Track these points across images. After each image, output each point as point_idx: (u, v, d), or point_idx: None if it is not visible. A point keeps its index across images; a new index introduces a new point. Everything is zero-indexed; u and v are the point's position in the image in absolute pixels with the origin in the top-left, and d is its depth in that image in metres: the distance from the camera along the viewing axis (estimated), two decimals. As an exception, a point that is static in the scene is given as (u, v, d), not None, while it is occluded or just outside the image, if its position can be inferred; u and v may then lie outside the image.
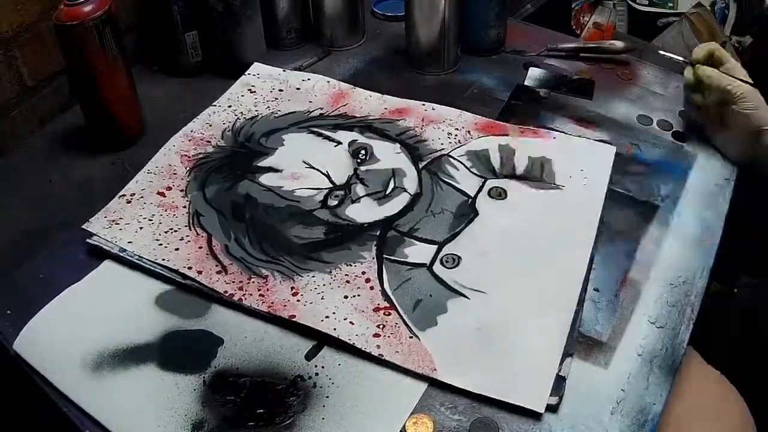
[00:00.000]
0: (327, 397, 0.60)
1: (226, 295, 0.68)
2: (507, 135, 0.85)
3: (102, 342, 0.64)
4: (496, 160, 0.81)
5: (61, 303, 0.67)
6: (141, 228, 0.74)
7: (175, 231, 0.74)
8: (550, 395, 0.59)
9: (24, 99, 0.87)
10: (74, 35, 0.76)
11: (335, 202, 0.77)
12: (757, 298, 0.93)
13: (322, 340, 0.64)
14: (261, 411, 0.59)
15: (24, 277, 0.71)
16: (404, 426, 0.58)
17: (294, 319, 0.65)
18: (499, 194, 0.77)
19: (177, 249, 0.72)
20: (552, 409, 0.59)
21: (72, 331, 0.65)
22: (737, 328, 0.93)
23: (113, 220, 0.75)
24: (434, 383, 0.61)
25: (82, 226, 0.75)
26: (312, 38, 1.05)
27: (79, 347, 0.63)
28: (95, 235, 0.74)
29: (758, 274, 0.95)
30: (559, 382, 0.60)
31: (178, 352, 0.64)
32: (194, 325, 0.66)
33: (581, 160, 0.80)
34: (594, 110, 0.91)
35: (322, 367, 0.62)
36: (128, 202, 0.78)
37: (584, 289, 0.67)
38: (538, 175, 0.79)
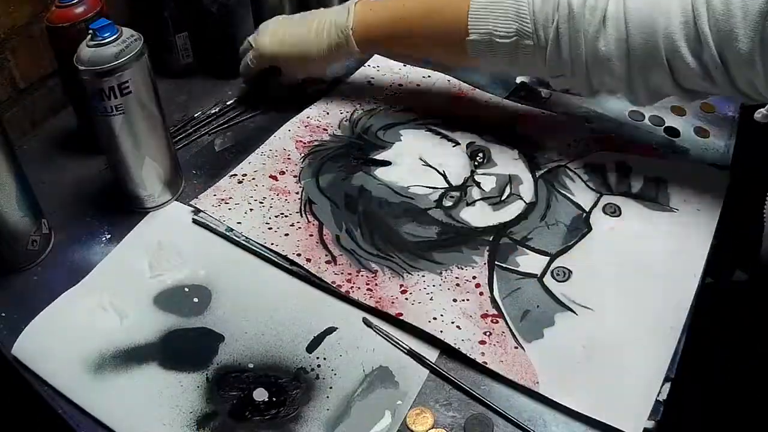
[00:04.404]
0: (330, 388, 0.60)
1: (334, 285, 0.68)
2: (624, 151, 0.83)
3: (102, 344, 0.64)
4: (612, 176, 0.80)
5: (59, 306, 0.67)
6: (251, 209, 0.76)
7: (286, 216, 0.75)
8: (648, 418, 0.57)
9: (16, 101, 0.87)
10: (66, 37, 0.75)
11: (450, 203, 0.77)
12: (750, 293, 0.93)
13: (426, 340, 0.64)
14: (266, 405, 0.59)
15: (17, 279, 0.71)
16: (406, 417, 0.58)
17: (401, 318, 0.65)
18: (614, 211, 0.75)
19: (287, 234, 0.73)
20: None
21: (71, 334, 0.64)
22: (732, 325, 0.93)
23: (223, 199, 0.77)
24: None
25: (191, 203, 0.76)
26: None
27: (80, 350, 0.63)
28: (202, 211, 0.75)
29: (752, 269, 0.95)
30: (657, 407, 0.58)
31: (180, 350, 0.64)
32: (194, 323, 0.66)
33: (696, 184, 0.78)
34: (586, 106, 0.92)
35: (324, 358, 0.63)
36: (239, 182, 0.79)
37: (690, 316, 0.65)
38: (653, 195, 0.77)
